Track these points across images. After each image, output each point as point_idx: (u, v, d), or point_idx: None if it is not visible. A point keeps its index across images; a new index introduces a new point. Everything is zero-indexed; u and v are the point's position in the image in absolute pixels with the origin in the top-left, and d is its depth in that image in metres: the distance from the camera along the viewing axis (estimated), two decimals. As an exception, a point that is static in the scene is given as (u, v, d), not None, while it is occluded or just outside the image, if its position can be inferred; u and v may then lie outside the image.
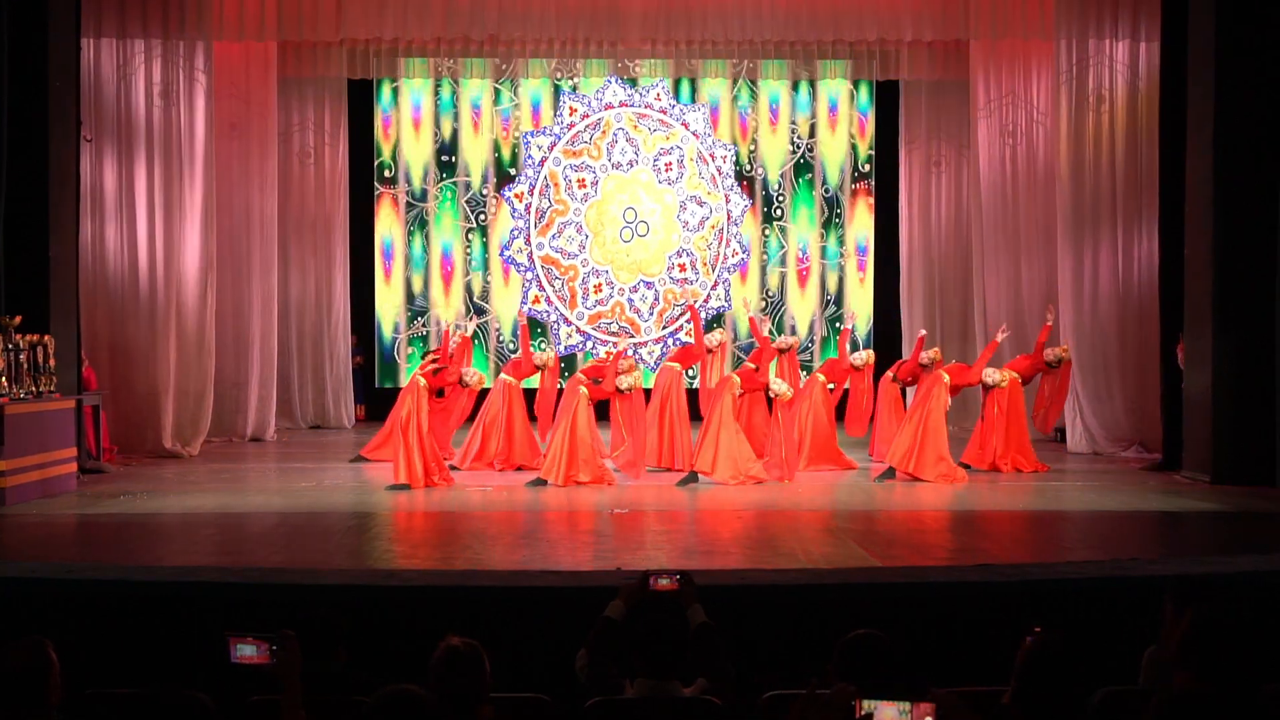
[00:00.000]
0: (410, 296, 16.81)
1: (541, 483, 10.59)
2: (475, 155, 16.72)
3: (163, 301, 13.43)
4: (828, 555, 7.43)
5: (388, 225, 16.83)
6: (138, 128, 13.54)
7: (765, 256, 16.79)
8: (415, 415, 10.69)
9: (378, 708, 3.19)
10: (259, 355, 15.08)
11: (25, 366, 9.84)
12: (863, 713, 2.95)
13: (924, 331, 13.13)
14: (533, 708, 4.28)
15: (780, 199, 16.79)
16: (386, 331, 16.91)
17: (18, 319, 9.83)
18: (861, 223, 16.96)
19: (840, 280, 16.95)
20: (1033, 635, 3.37)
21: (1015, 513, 9.48)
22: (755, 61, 16.32)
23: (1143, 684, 4.13)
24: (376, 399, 17.01)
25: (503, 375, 12.26)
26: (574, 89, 15.96)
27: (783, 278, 16.84)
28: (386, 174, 16.75)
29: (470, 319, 15.13)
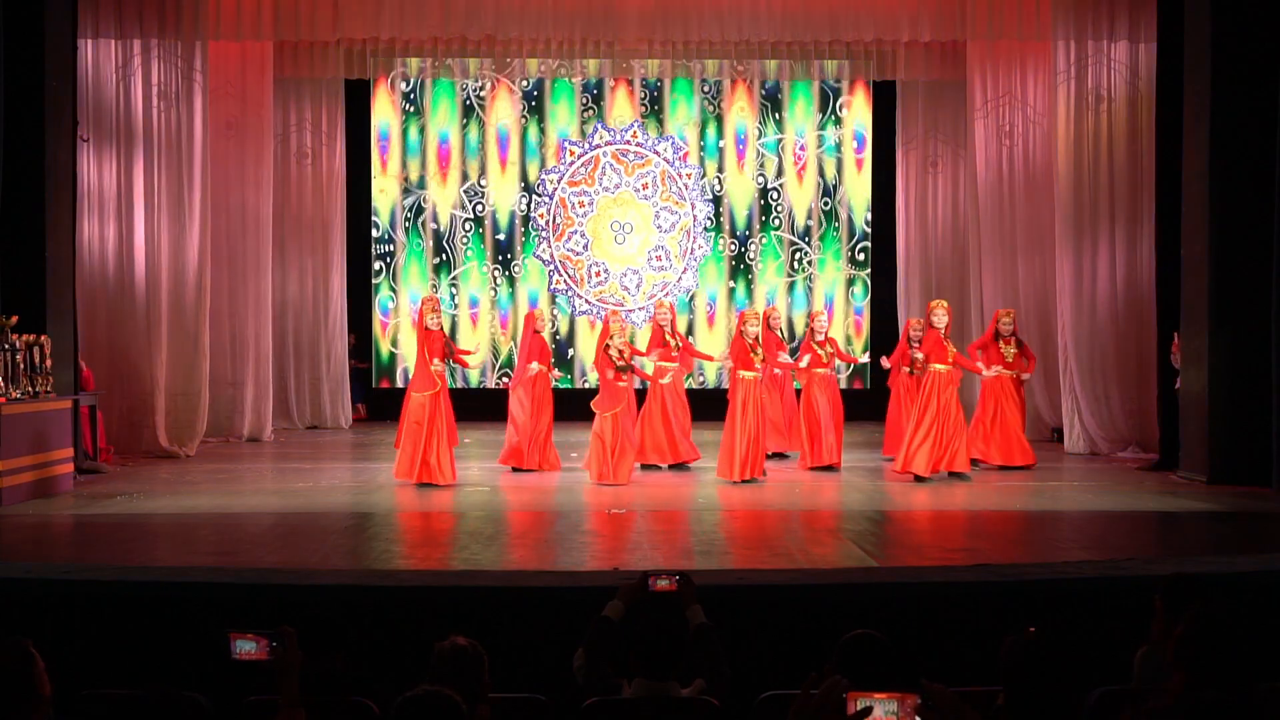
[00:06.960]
0: (407, 184, 17.03)
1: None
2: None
3: (159, 301, 13.42)
4: (826, 555, 7.44)
5: (384, 112, 16.97)
6: (135, 128, 13.53)
7: (761, 142, 17.07)
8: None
9: (406, 709, 3.12)
10: (255, 355, 15.05)
11: (22, 367, 9.83)
12: (858, 708, 2.94)
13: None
14: (530, 708, 4.28)
15: (778, 92, 17.09)
16: (384, 220, 17.03)
17: (14, 319, 9.81)
18: (859, 113, 17.10)
19: (838, 168, 17.18)
20: (1014, 636, 3.35)
21: (1012, 513, 9.49)
22: (752, 61, 16.35)
23: (1135, 684, 4.13)
24: (376, 399, 17.02)
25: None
26: (569, 78, 17.03)
27: (779, 167, 17.13)
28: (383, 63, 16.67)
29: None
